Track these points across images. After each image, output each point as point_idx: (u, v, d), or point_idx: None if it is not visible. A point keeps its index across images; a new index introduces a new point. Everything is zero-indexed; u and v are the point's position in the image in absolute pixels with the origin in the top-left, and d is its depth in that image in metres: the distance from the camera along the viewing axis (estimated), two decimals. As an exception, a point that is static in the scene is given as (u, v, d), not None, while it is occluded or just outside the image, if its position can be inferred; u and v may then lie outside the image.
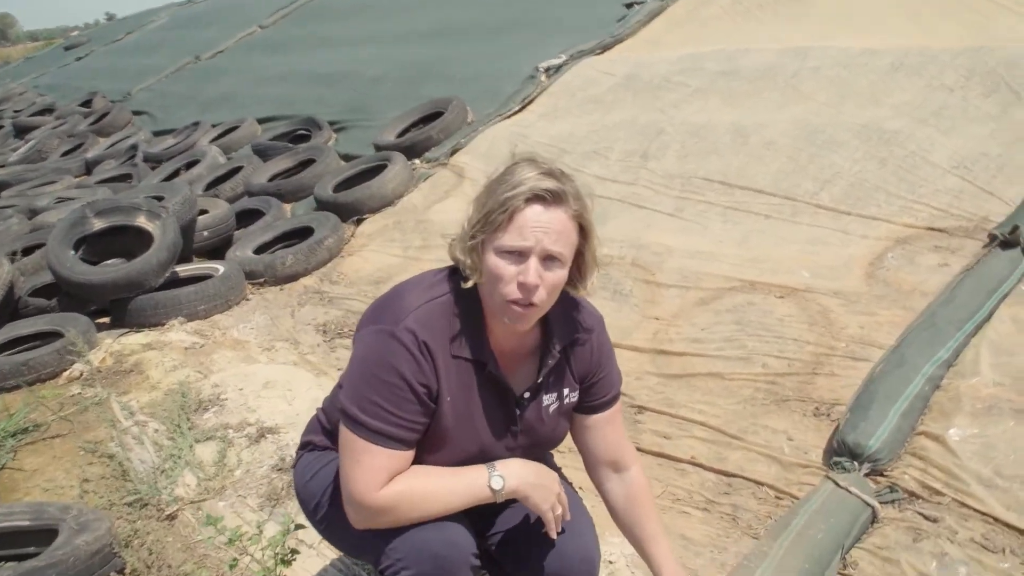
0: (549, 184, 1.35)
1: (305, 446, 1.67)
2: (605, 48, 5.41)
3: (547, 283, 1.37)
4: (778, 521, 2.00)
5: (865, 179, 3.18)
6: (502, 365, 1.47)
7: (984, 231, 2.73)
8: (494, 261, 1.36)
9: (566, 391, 1.56)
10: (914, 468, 2.07)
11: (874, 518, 1.98)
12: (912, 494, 2.02)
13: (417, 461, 1.43)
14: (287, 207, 4.87)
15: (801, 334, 2.60)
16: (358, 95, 6.29)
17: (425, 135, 4.86)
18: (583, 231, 1.41)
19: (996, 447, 2.04)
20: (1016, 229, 2.45)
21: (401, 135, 5.12)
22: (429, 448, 1.44)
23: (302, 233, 4.27)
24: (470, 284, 1.41)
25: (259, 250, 4.26)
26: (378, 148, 5.02)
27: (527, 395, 1.50)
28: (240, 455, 2.63)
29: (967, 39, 3.85)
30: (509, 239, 1.34)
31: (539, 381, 1.50)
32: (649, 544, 1.60)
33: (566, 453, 2.04)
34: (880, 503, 2.00)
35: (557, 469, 1.71)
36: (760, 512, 2.13)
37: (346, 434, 1.40)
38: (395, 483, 1.39)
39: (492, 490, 1.43)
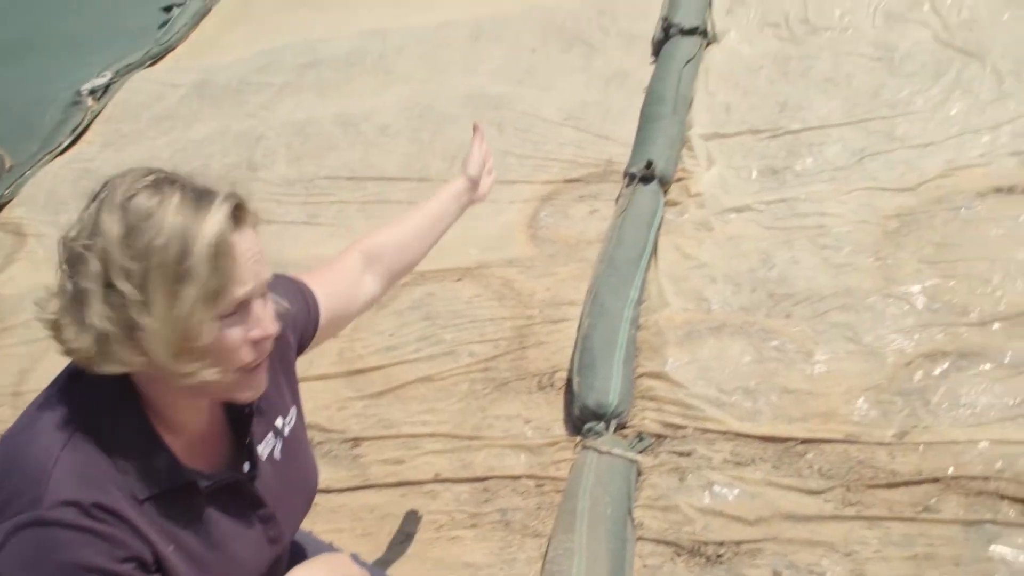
0: (228, 197, 0.98)
1: None
2: (156, 58, 4.76)
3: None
4: (561, 510, 1.87)
5: (491, 146, 3.18)
6: (206, 460, 1.08)
7: (614, 173, 2.89)
8: (218, 336, 0.96)
9: (280, 421, 1.20)
10: (650, 411, 2.10)
11: (639, 472, 1.96)
12: (659, 436, 2.04)
13: None
14: None
15: (494, 312, 2.50)
16: None
17: (-48, 193, 3.82)
18: None
19: (710, 367, 2.15)
20: (651, 164, 2.61)
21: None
22: None
23: None
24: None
25: None
26: None
27: (247, 468, 1.13)
28: None
29: (524, 1, 4.06)
30: (231, 297, 0.96)
31: (248, 441, 1.13)
32: (434, 204, 1.56)
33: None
34: (638, 455, 1.98)
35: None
36: (529, 507, 1.99)
37: None
38: None
39: None
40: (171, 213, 0.93)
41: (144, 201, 0.94)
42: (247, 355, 1.01)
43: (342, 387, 2.43)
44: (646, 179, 2.61)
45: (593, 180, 2.91)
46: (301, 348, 1.30)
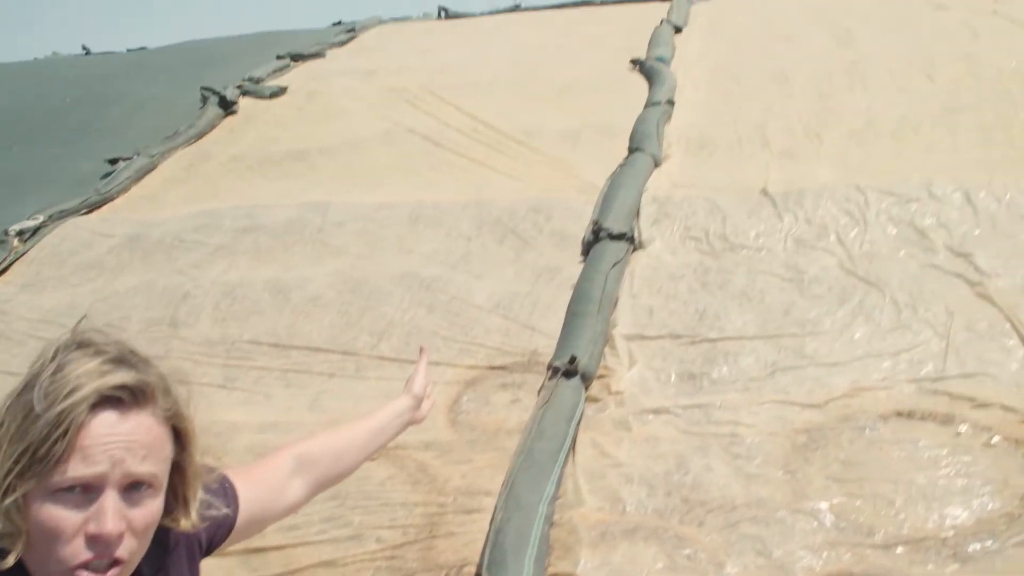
0: (123, 377, 0.96)
1: None
2: (93, 207, 4.76)
3: (137, 525, 0.96)
4: None
5: (419, 326, 3.23)
6: None
7: (538, 364, 2.94)
8: (43, 512, 0.91)
9: None
10: (558, 614, 2.03)
11: None
12: (566, 643, 1.96)
13: None
14: None
15: (407, 496, 2.44)
16: None
17: None
18: (180, 436, 1.04)
19: (622, 571, 2.11)
20: (574, 359, 2.68)
21: None
22: None
23: None
24: (11, 562, 0.93)
25: None
26: None
27: None
28: None
29: (464, 193, 4.27)
30: (69, 471, 0.91)
31: None
32: (371, 422, 1.54)
33: None
34: (543, 664, 1.89)
35: None
36: None
37: None
38: None
39: None
40: (68, 376, 0.94)
41: (72, 357, 0.96)
42: (78, 551, 0.92)
43: (237, 566, 2.29)
44: (569, 373, 2.67)
45: (517, 369, 2.95)
46: (211, 548, 1.23)
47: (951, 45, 5.54)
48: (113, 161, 5.33)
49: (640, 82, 5.50)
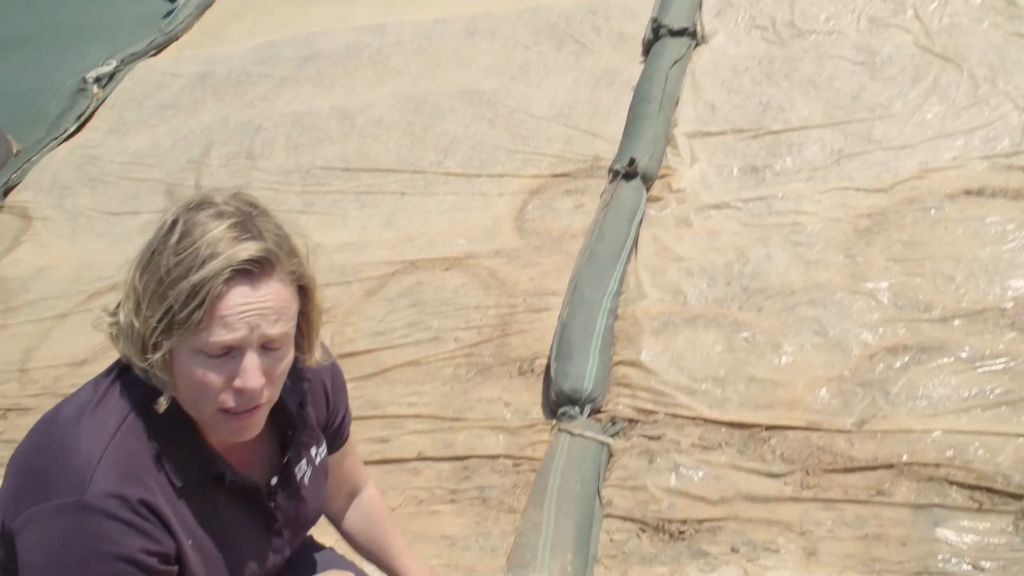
0: (251, 249, 1.00)
1: None
2: (160, 48, 4.85)
3: (274, 375, 1.06)
4: (534, 488, 1.97)
5: (482, 141, 3.28)
6: (238, 462, 1.16)
7: (600, 169, 2.98)
8: (191, 369, 1.01)
9: (314, 450, 1.29)
10: (624, 396, 2.20)
11: (610, 454, 2.05)
12: (631, 420, 2.13)
13: None
14: None
15: (480, 300, 2.60)
16: None
17: (-38, 178, 3.92)
18: (304, 291, 1.09)
19: (683, 356, 2.25)
20: (633, 162, 2.70)
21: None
22: None
23: None
24: (163, 405, 1.05)
25: None
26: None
27: (275, 481, 1.21)
28: None
29: (519, 0, 4.14)
30: (212, 337, 0.99)
31: (286, 460, 1.22)
32: (397, 562, 1.46)
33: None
34: (610, 438, 2.08)
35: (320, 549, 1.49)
36: (506, 484, 2.09)
37: None
38: None
39: None
40: (199, 242, 0.98)
41: (197, 221, 1.00)
42: (226, 399, 1.03)
43: (332, 370, 2.53)
44: (629, 176, 2.70)
45: (580, 176, 3.00)
46: (324, 429, 1.34)
47: None
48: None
49: None
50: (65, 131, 4.21)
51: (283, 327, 1.04)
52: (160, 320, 0.99)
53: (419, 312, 2.61)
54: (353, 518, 1.47)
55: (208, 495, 1.11)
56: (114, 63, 4.71)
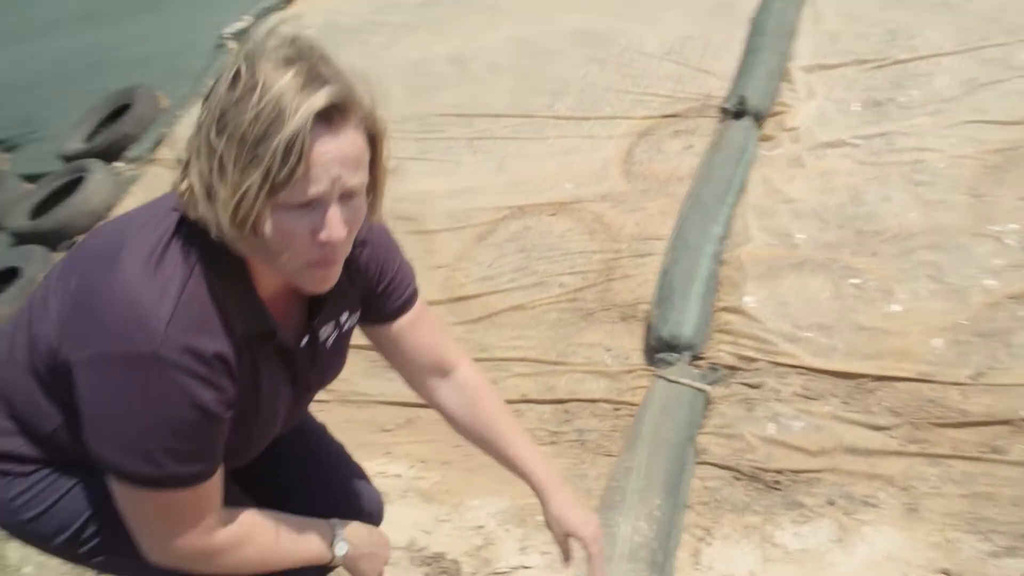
0: (328, 94, 0.94)
1: None
2: (289, 1, 5.05)
3: (352, 226, 1.04)
4: (629, 433, 2.02)
5: (592, 82, 3.25)
6: (280, 322, 1.16)
7: (711, 107, 2.91)
8: (279, 223, 0.98)
9: (344, 316, 1.27)
10: (725, 343, 2.18)
11: (708, 401, 2.06)
12: (731, 367, 2.13)
13: None
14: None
15: (585, 245, 2.62)
16: (20, 104, 5.38)
17: (119, 133, 4.26)
18: (373, 139, 1.04)
19: (788, 303, 2.20)
20: (743, 100, 2.62)
21: (90, 139, 4.44)
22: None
23: (6, 276, 3.60)
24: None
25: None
26: (68, 159, 4.33)
27: (305, 341, 1.20)
28: None
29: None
30: (301, 191, 0.96)
31: (315, 322, 1.21)
32: (506, 445, 1.35)
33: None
34: (708, 385, 2.09)
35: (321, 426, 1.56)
36: (604, 428, 2.14)
37: (137, 495, 1.07)
38: (232, 528, 1.15)
39: (333, 555, 1.27)
40: (271, 95, 0.93)
41: (262, 72, 0.94)
42: (311, 251, 1.01)
43: (445, 312, 2.64)
44: (738, 114, 2.62)
45: (691, 115, 2.94)
46: (366, 299, 1.32)
47: None
48: (298, -49, 5.51)
49: None
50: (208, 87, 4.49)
51: (361, 177, 1.02)
52: (261, 183, 0.94)
53: (526, 257, 2.67)
54: (450, 398, 1.38)
55: (253, 351, 1.11)
56: (249, 18, 4.94)
